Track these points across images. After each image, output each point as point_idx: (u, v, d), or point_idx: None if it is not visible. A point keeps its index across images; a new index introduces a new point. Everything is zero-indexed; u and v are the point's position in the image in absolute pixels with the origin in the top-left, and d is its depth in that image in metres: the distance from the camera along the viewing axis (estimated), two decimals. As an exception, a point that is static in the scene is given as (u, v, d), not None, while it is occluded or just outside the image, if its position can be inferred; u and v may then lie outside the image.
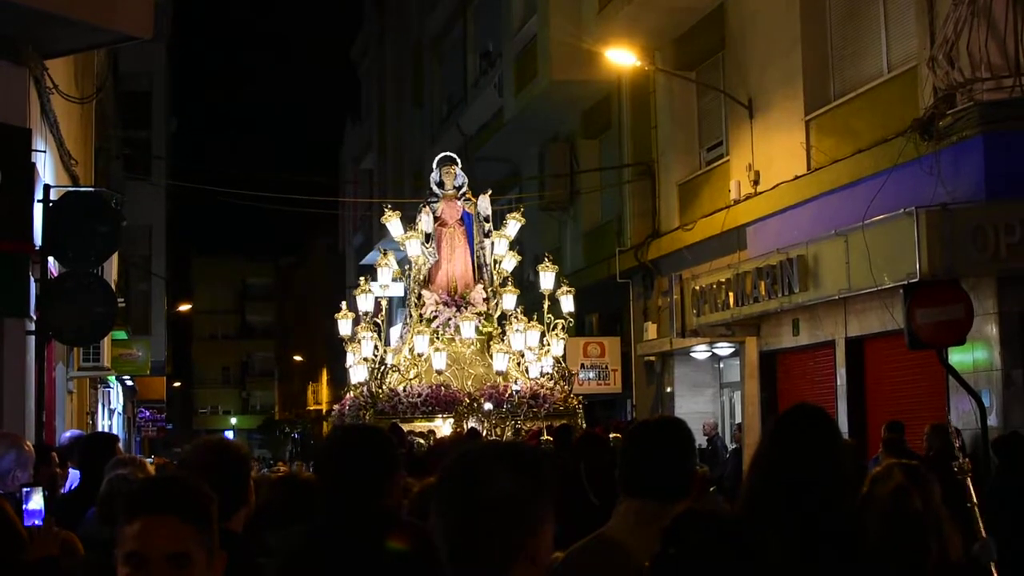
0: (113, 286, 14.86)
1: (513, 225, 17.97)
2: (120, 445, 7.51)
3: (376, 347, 17.12)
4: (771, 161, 15.93)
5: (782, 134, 15.67)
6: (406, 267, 17.84)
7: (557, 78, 22.09)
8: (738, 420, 18.64)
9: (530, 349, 16.81)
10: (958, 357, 11.60)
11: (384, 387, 16.43)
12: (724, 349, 18.84)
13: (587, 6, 21.05)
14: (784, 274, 13.92)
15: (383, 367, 16.84)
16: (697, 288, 16.17)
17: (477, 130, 28.16)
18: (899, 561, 3.36)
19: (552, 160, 24.11)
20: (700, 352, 19.38)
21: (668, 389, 20.21)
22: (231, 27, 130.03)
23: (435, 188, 17.94)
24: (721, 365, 20.12)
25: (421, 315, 17.26)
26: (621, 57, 18.60)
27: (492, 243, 17.67)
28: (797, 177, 15.15)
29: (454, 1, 31.49)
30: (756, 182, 16.25)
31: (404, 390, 16.30)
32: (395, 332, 18.68)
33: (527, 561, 2.33)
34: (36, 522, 4.69)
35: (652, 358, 20.43)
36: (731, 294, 15.21)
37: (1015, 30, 11.04)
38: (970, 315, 11.03)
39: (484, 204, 17.78)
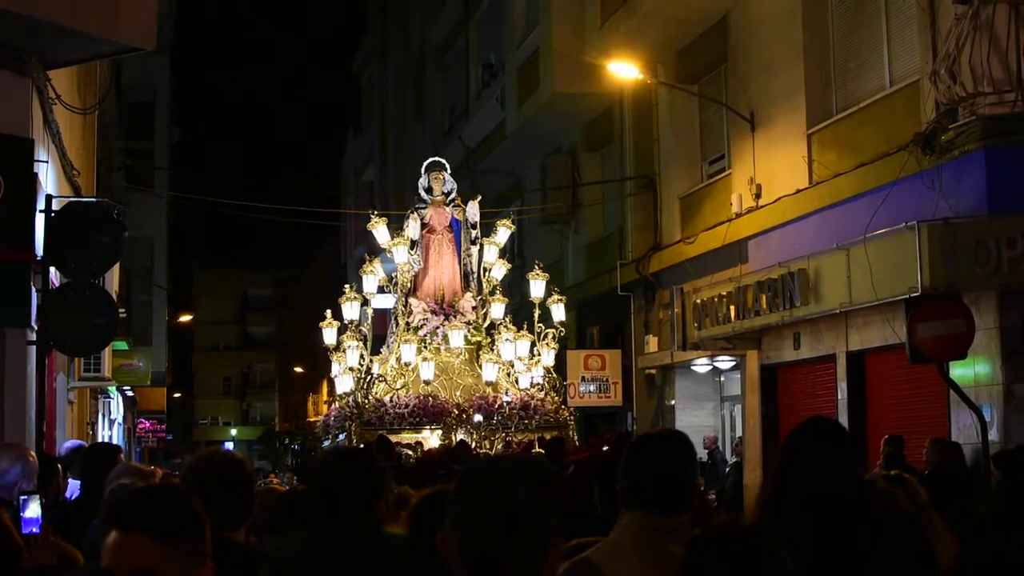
0: (114, 297, 14.86)
1: (503, 232, 17.79)
2: (121, 456, 7.50)
3: (362, 356, 16.85)
4: (773, 175, 15.93)
5: (784, 148, 15.67)
6: (394, 275, 17.59)
7: (559, 91, 22.10)
8: (739, 434, 18.61)
9: (520, 359, 16.64)
10: (959, 371, 11.58)
11: (370, 397, 16.06)
12: (725, 362, 18.81)
13: (589, 19, 21.07)
14: (785, 288, 13.91)
15: (369, 377, 16.52)
16: (698, 301, 16.15)
17: (479, 142, 28.18)
18: (906, 564, 3.35)
19: (554, 173, 24.10)
20: (701, 365, 19.35)
21: (669, 402, 20.17)
22: (233, 38, 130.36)
23: (423, 194, 17.65)
24: (722, 378, 20.09)
25: (408, 323, 16.97)
26: (623, 70, 18.60)
27: (480, 249, 17.43)
28: (799, 191, 15.14)
29: (456, 13, 31.54)
30: (758, 195, 16.25)
31: (391, 400, 15.92)
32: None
33: (548, 572, 2.35)
34: (34, 530, 4.68)
35: (653, 371, 20.40)
36: (732, 307, 15.19)
37: (1017, 45, 11.05)
38: (971, 329, 11.02)
39: (472, 211, 17.51)
